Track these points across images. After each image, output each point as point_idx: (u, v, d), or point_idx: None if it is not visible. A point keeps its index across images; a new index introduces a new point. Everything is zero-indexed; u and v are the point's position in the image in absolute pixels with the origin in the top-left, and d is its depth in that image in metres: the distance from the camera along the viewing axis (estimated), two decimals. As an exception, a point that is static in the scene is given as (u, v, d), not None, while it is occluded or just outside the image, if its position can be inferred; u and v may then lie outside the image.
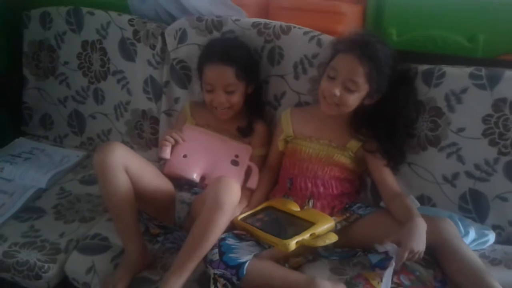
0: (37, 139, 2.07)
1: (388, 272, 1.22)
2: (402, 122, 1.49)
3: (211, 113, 1.63)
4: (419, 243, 1.22)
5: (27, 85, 2.07)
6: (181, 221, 1.52)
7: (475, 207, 1.48)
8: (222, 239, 1.30)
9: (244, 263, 1.25)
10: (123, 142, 1.90)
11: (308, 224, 1.36)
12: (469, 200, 1.49)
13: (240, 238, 1.35)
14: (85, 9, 1.93)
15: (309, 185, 1.49)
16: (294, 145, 1.55)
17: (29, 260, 1.44)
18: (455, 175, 1.49)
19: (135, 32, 1.84)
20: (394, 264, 1.23)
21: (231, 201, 1.28)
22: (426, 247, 1.23)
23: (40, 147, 1.99)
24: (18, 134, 2.09)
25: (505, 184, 1.44)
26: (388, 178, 1.46)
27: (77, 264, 1.44)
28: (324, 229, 1.35)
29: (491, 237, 1.43)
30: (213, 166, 1.53)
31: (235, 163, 1.55)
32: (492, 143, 1.44)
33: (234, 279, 1.23)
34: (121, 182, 1.35)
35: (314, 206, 1.47)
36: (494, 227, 1.47)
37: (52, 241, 1.50)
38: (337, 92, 1.39)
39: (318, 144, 1.52)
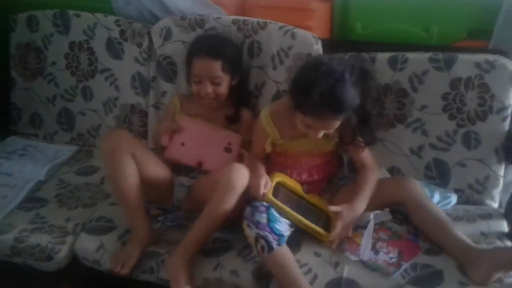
0: (28, 137, 2.15)
1: (367, 232, 1.41)
2: (372, 108, 1.51)
3: (199, 103, 1.77)
4: (350, 224, 1.45)
5: (15, 86, 2.15)
6: (179, 203, 1.65)
7: (438, 174, 1.67)
8: (269, 208, 1.42)
9: (285, 236, 1.38)
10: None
11: (323, 214, 1.51)
12: (433, 168, 1.67)
13: (279, 213, 1.45)
14: (71, 12, 2.04)
15: (304, 176, 1.60)
16: (283, 147, 1.60)
17: (40, 243, 1.55)
18: (420, 147, 1.68)
19: (122, 32, 1.97)
20: (372, 225, 1.42)
21: (242, 185, 1.43)
22: (398, 205, 1.45)
23: (33, 144, 2.08)
24: (8, 133, 2.16)
25: (463, 152, 1.64)
26: (360, 153, 1.58)
27: (86, 244, 1.55)
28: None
29: (453, 198, 1.62)
30: (208, 153, 1.66)
31: (228, 150, 1.67)
32: (451, 117, 1.63)
33: (275, 244, 1.34)
34: (130, 166, 1.48)
35: (308, 190, 1.58)
36: (456, 190, 1.65)
37: (59, 225, 1.61)
38: (320, 135, 1.46)
39: (306, 140, 1.55)
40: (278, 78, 1.81)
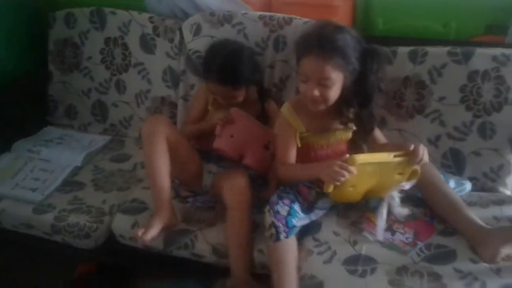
0: (63, 128, 2.27)
1: (380, 213, 1.46)
2: (373, 91, 1.50)
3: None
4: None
5: (52, 79, 2.29)
6: (207, 189, 1.74)
7: (454, 163, 1.74)
8: (294, 201, 1.49)
9: (296, 227, 1.46)
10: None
11: None
12: (449, 157, 1.74)
13: (302, 209, 1.50)
14: (107, 9, 2.16)
15: None
16: (306, 141, 1.59)
17: (79, 222, 1.67)
18: (438, 137, 1.75)
19: (155, 28, 2.08)
20: (386, 205, 1.47)
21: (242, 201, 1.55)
22: (414, 189, 1.49)
23: (68, 134, 2.21)
24: (44, 124, 2.29)
25: (478, 141, 1.70)
26: (377, 136, 1.65)
27: (122, 223, 1.66)
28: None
29: (468, 186, 1.68)
30: (251, 147, 1.70)
31: (266, 147, 1.73)
32: (468, 108, 1.70)
33: (283, 236, 1.42)
34: (162, 149, 1.56)
35: None
36: (471, 179, 1.72)
37: (97, 206, 1.73)
38: (316, 92, 1.43)
39: (328, 134, 1.59)
40: (302, 71, 1.89)
